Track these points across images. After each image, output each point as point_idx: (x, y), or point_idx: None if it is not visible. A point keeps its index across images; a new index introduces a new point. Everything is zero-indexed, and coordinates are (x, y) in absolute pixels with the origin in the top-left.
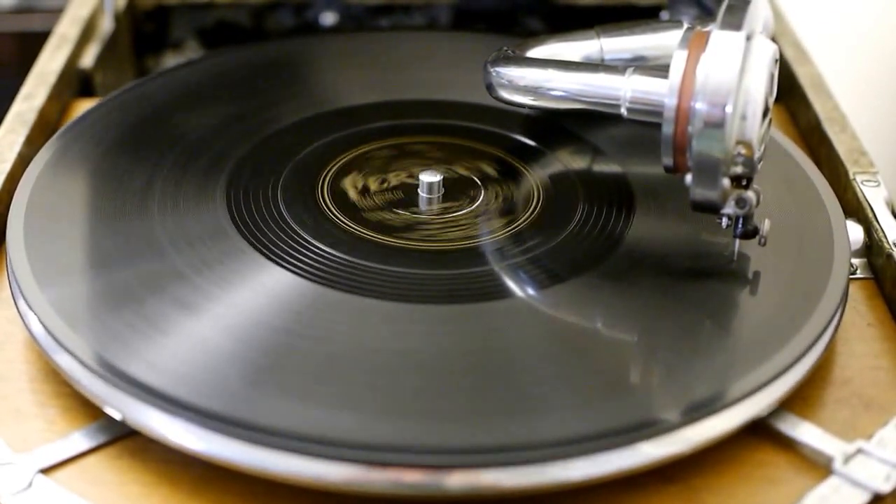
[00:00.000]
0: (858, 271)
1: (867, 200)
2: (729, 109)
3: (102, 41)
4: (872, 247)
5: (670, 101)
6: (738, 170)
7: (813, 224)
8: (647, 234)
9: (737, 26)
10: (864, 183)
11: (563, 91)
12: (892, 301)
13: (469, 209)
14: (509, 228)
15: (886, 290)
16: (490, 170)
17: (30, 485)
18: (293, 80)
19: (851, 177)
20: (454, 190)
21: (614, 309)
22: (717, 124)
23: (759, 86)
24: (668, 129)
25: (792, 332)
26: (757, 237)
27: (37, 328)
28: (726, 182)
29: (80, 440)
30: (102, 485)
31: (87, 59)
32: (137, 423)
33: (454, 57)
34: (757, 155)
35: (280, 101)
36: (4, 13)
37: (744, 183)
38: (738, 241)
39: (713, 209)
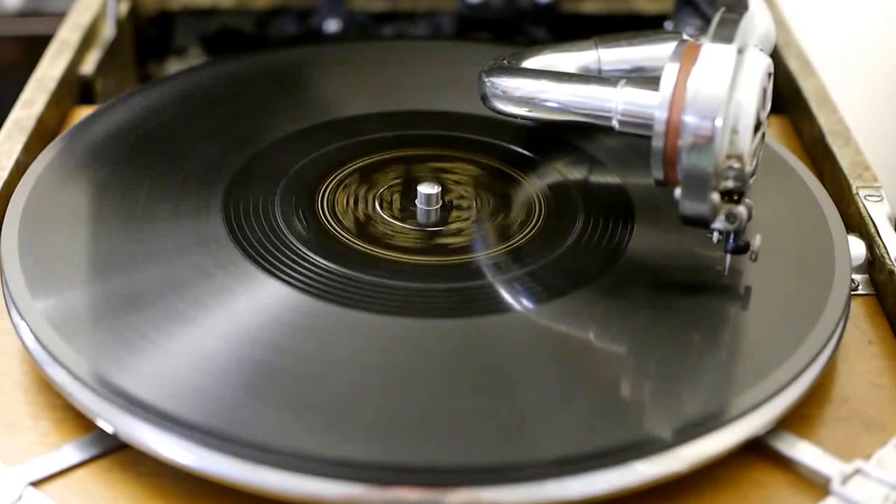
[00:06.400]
0: (860, 287)
1: (870, 216)
2: (718, 123)
3: (104, 47)
4: (875, 263)
5: (660, 115)
6: (730, 184)
7: (814, 239)
8: (647, 248)
9: (728, 39)
10: (867, 198)
11: (557, 102)
12: (893, 318)
13: (468, 221)
14: (508, 241)
15: (888, 307)
16: (490, 181)
17: (20, 498)
18: (295, 89)
19: (854, 191)
20: (453, 202)
21: (613, 325)
22: (706, 138)
23: (750, 99)
24: (658, 143)
25: (792, 348)
26: (748, 253)
27: (29, 340)
28: (716, 196)
29: (71, 453)
30: (93, 498)
31: (88, 66)
32: (129, 437)
33: (457, 67)
34: (748, 169)
35: (281, 111)
36: (9, 17)
37: (735, 197)
38: (729, 256)
39: (703, 224)
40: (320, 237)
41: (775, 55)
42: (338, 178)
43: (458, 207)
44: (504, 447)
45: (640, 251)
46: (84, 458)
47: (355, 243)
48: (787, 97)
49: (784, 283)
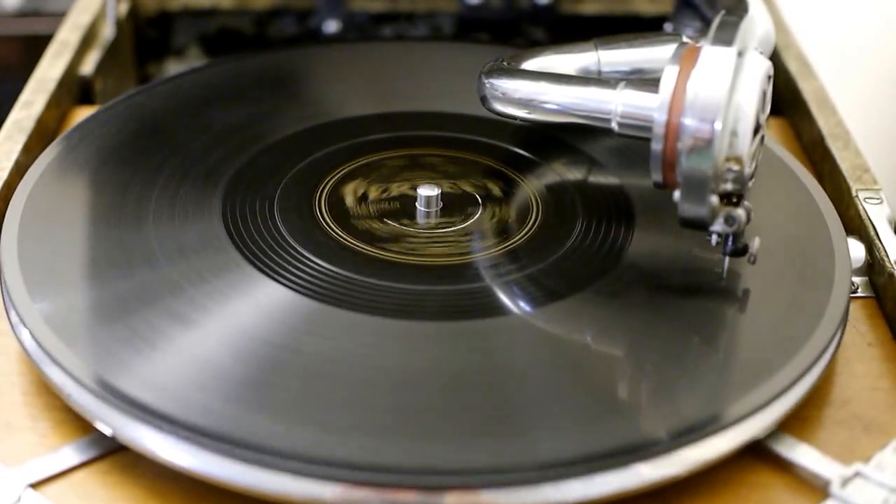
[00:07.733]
0: (860, 290)
1: (869, 218)
2: (718, 126)
3: (103, 48)
4: (874, 265)
5: (660, 117)
6: (729, 186)
7: (814, 241)
8: (647, 250)
9: (728, 42)
10: (867, 200)
11: (556, 104)
12: (893, 320)
13: (467, 224)
14: (507, 244)
15: (888, 310)
16: (489, 183)
17: (19, 499)
18: (294, 89)
19: (854, 194)
20: (453, 204)
21: (612, 328)
22: (705, 140)
23: (750, 102)
24: (657, 146)
25: (792, 351)
26: (747, 255)
27: (28, 341)
28: (715, 199)
29: (70, 454)
30: (92, 500)
31: (88, 67)
32: (128, 439)
33: (456, 68)
34: (748, 171)
35: (280, 112)
36: (9, 17)
37: (734, 200)
38: (727, 259)
39: (702, 226)
40: (319, 239)
41: (775, 57)
42: (337, 179)
43: (458, 209)
44: (502, 449)
45: (639, 253)
46: (83, 460)
47: (354, 245)
48: (786, 99)
49: (783, 285)
